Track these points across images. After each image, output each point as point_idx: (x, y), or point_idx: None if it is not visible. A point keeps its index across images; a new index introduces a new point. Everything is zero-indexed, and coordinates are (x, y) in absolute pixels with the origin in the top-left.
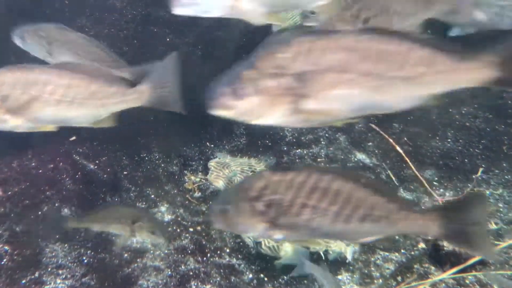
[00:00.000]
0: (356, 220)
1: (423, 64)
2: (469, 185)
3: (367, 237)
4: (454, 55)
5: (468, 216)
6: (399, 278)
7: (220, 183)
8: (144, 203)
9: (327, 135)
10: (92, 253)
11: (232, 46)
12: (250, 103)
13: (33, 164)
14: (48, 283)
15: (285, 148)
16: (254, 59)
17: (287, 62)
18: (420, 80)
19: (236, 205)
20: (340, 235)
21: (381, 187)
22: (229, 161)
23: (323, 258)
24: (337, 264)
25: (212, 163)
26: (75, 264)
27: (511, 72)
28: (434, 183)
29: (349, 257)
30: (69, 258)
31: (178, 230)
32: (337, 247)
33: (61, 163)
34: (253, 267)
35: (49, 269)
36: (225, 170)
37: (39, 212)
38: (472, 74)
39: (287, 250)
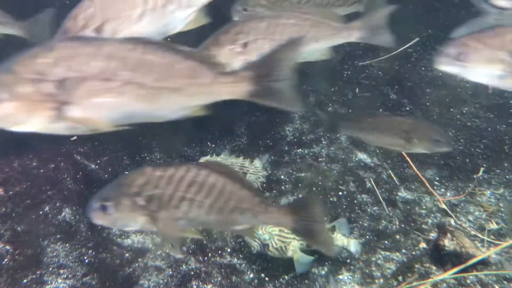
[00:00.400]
0: (227, 211)
1: (187, 76)
2: (470, 184)
3: (235, 226)
4: (217, 68)
5: (310, 215)
6: (400, 278)
7: None
8: None
9: (328, 134)
10: (93, 252)
11: None
12: (4, 109)
13: (34, 164)
14: (49, 282)
15: (286, 148)
16: (11, 63)
17: (47, 68)
18: (185, 91)
19: (117, 201)
20: (214, 225)
21: (247, 182)
22: (220, 160)
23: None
24: (337, 264)
25: (202, 160)
26: (76, 263)
27: (262, 86)
28: (435, 183)
29: (353, 249)
30: (70, 257)
31: None
32: (339, 241)
33: (62, 163)
34: (254, 266)
35: (50, 269)
36: None
37: (40, 212)
38: (230, 87)
39: (294, 250)
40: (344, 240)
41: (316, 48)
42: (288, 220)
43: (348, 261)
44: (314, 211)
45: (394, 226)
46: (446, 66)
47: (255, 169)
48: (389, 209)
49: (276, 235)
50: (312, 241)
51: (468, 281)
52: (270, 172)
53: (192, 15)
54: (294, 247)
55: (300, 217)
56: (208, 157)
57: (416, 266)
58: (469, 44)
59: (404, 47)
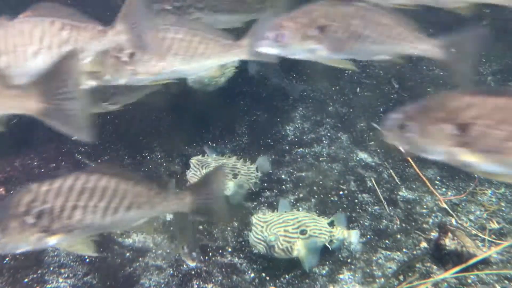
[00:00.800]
0: (123, 209)
1: None
2: (471, 184)
3: (135, 222)
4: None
5: (209, 191)
6: (401, 277)
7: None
8: None
9: (329, 134)
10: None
11: None
12: None
13: (35, 163)
14: (50, 282)
15: (287, 147)
16: None
17: None
18: None
19: (4, 224)
20: (113, 226)
21: (142, 179)
22: (211, 161)
23: (330, 249)
24: (338, 263)
25: (193, 160)
26: (77, 263)
27: (53, 104)
28: (436, 182)
29: (354, 240)
30: (71, 257)
31: None
32: (340, 234)
33: (63, 163)
34: (254, 266)
35: (51, 268)
36: (202, 170)
37: None
38: (17, 101)
39: (299, 249)
40: (344, 233)
41: (208, 64)
42: (186, 202)
43: (349, 260)
44: (213, 187)
45: (395, 226)
46: (267, 48)
47: (247, 170)
48: (390, 208)
49: (281, 236)
50: (212, 218)
51: (469, 281)
52: (271, 171)
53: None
54: (299, 245)
55: (199, 197)
56: (199, 157)
57: (417, 265)
58: (284, 25)
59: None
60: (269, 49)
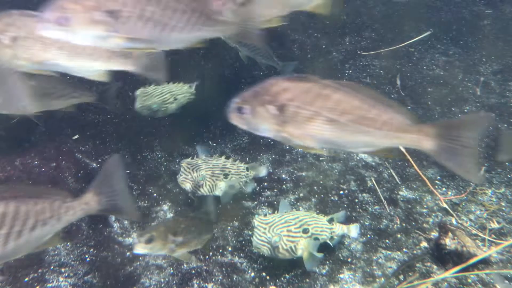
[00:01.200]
0: (28, 230)
1: None
2: (472, 184)
3: (43, 240)
4: None
5: (114, 188)
6: (401, 277)
7: (187, 186)
8: (146, 201)
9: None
10: (95, 251)
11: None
12: None
13: (36, 162)
14: (50, 281)
15: (287, 147)
16: None
17: None
18: None
19: None
20: (15, 252)
21: (45, 191)
22: (201, 163)
23: (331, 245)
24: (338, 263)
25: (183, 164)
26: (77, 262)
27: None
28: (437, 182)
29: (354, 234)
30: (71, 256)
31: None
32: (340, 230)
33: (63, 162)
34: (255, 265)
35: (52, 268)
36: (193, 173)
37: None
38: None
39: (303, 248)
40: (344, 228)
41: (94, 66)
42: (94, 204)
43: (349, 260)
44: (114, 182)
45: (395, 225)
46: (48, 31)
47: (237, 169)
48: (390, 208)
49: (285, 236)
50: (121, 215)
51: (469, 280)
52: (271, 170)
53: None
54: (303, 245)
55: (106, 196)
56: (189, 159)
57: (417, 265)
58: (67, 7)
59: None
60: (51, 33)
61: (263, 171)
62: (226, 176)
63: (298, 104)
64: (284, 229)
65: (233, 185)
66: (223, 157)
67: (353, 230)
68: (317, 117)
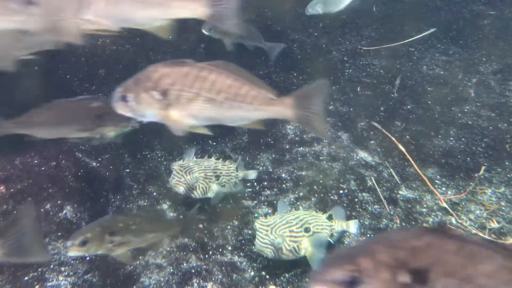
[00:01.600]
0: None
1: None
2: (471, 183)
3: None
4: None
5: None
6: None
7: (180, 189)
8: (146, 201)
9: (329, 133)
10: None
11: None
12: None
13: (36, 161)
14: (50, 280)
15: (287, 146)
16: None
17: None
18: None
19: None
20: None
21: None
22: (193, 165)
23: (331, 242)
24: None
25: (175, 166)
26: (77, 261)
27: None
28: (437, 181)
29: (353, 230)
30: (71, 255)
31: None
32: (339, 227)
33: (63, 161)
34: (254, 264)
35: (52, 266)
36: (186, 176)
37: (42, 210)
38: None
39: (306, 247)
40: (343, 224)
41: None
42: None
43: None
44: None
45: (395, 225)
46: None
47: (227, 170)
48: (390, 207)
49: (288, 236)
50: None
51: None
52: (271, 170)
53: None
54: (306, 244)
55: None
56: (181, 162)
57: None
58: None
59: (418, 36)
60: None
61: (252, 175)
62: (217, 177)
63: (179, 87)
64: (287, 229)
65: (223, 186)
66: (213, 158)
67: (352, 226)
68: (198, 98)
